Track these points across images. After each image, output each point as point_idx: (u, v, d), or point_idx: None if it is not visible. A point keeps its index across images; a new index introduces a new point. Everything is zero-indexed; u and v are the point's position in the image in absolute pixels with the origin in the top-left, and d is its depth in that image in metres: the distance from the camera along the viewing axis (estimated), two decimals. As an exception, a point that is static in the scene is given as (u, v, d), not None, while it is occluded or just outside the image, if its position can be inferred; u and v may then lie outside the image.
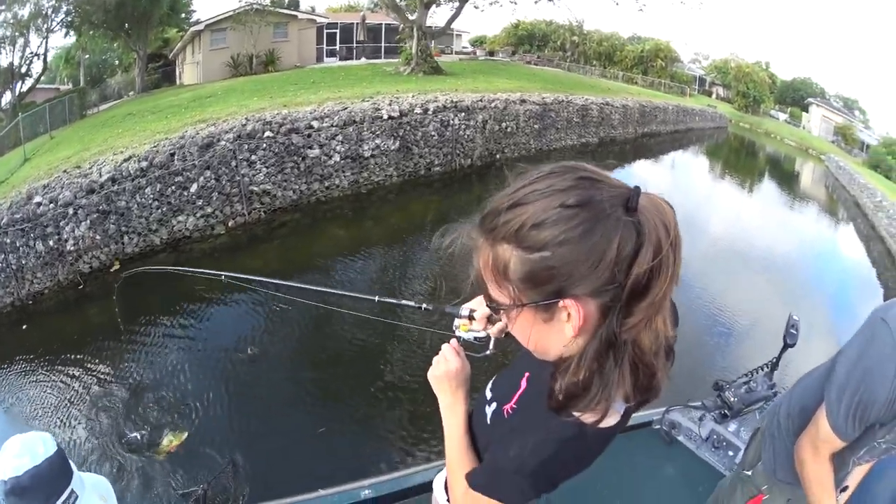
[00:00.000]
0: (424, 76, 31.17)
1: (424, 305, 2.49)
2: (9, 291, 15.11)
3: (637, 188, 1.27)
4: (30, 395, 11.14)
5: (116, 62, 52.09)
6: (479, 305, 2.23)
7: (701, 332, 13.45)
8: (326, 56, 46.51)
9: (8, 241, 15.11)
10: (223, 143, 17.40)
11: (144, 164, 16.55)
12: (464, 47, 57.18)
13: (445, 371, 2.01)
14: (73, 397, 10.77)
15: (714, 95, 72.65)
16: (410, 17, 33.87)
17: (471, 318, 2.22)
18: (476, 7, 36.85)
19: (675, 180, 30.98)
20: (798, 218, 31.56)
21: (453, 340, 2.10)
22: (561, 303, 1.30)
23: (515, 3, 36.20)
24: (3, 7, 37.74)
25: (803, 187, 43.00)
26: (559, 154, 25.36)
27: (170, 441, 7.69)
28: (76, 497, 2.04)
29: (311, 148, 18.89)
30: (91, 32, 45.03)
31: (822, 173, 49.08)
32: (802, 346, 4.57)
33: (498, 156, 23.82)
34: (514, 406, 1.78)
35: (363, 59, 44.12)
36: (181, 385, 10.54)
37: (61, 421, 10.14)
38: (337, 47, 47.22)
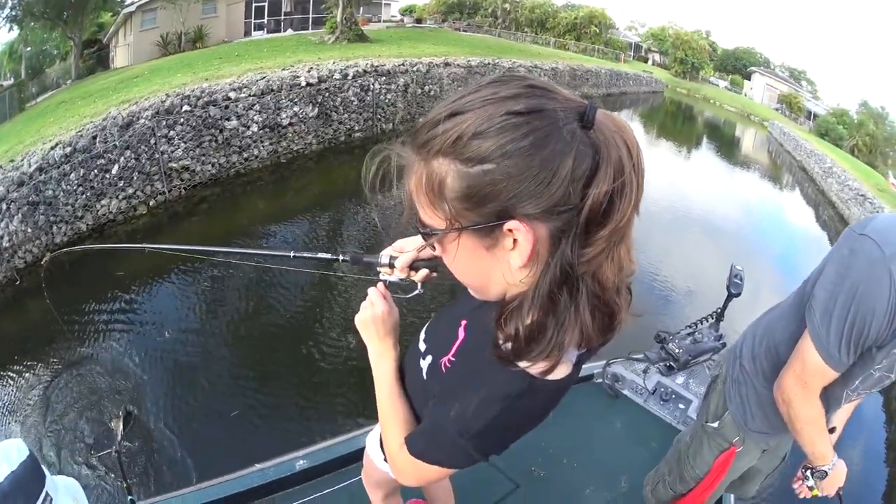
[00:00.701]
0: (349, 44, 31.38)
1: (342, 257, 2.16)
2: None
3: (593, 102, 1.14)
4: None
5: (55, 52, 51.89)
6: (397, 251, 1.96)
7: (637, 286, 13.69)
8: (255, 30, 45.63)
9: None
10: (142, 121, 17.30)
11: (69, 149, 16.48)
12: (392, 16, 56.20)
13: (372, 315, 1.91)
14: (11, 395, 10.51)
15: (650, 62, 73.32)
16: None
17: (391, 266, 1.94)
18: None
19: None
20: (741, 182, 31.99)
21: (380, 284, 1.99)
22: (506, 225, 1.16)
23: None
24: None
25: (745, 152, 43.49)
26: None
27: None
28: (51, 500, 2.11)
29: (228, 119, 18.88)
30: (32, 24, 44.65)
31: (764, 139, 49.69)
32: (748, 297, 4.69)
33: (420, 119, 22.58)
34: (453, 358, 1.67)
35: (290, 31, 43.87)
36: (117, 366, 10.48)
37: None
38: (265, 20, 46.69)
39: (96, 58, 47.28)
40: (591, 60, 50.10)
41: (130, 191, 16.92)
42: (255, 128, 19.70)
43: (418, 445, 1.60)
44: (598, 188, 1.08)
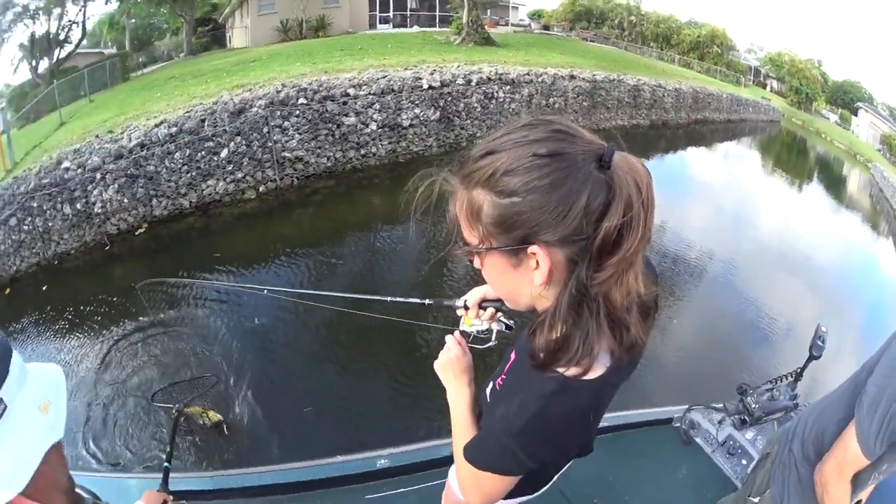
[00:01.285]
0: (475, 46, 30.23)
1: (427, 301, 2.77)
2: (34, 252, 15.84)
3: (612, 145, 1.31)
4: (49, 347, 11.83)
5: (165, 26, 52.76)
6: (471, 295, 2.25)
7: (734, 331, 12.95)
8: (380, 23, 45.38)
9: (35, 204, 15.98)
10: (255, 109, 17.24)
11: (174, 129, 16.72)
12: (521, 20, 55.28)
13: (447, 359, 2.08)
14: (88, 349, 11.19)
15: (768, 88, 71.37)
16: None
17: (466, 307, 2.25)
18: None
19: (728, 172, 29.99)
20: (841, 225, 30.73)
21: (456, 333, 2.18)
22: (529, 249, 1.35)
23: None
24: None
25: (849, 194, 42.23)
26: (607, 133, 24.11)
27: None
28: (4, 408, 1.54)
29: (346, 116, 18.40)
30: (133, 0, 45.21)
31: (867, 182, 48.12)
32: (827, 360, 4.51)
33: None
34: (505, 376, 1.83)
35: (416, 28, 42.97)
36: (202, 335, 10.72)
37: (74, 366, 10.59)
38: (391, 14, 46.32)
39: (211, 37, 48.05)
40: (714, 83, 48.05)
41: (239, 175, 16.96)
42: (373, 126, 19.24)
43: (471, 451, 1.70)
44: (610, 222, 1.26)
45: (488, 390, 1.95)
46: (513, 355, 1.85)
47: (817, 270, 19.16)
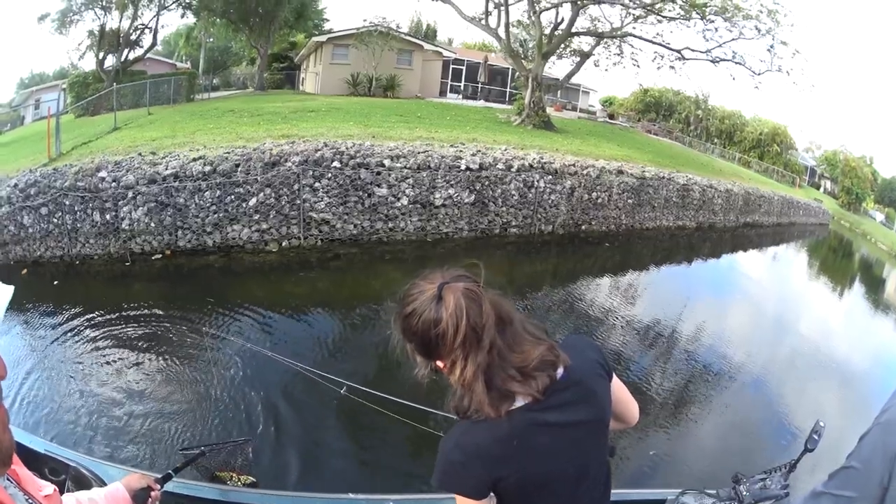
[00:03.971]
0: (533, 129, 29.76)
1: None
2: (60, 246, 17.17)
3: (442, 283, 1.97)
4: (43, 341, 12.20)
5: (243, 52, 53.18)
6: None
7: (753, 421, 12.39)
8: (450, 92, 46.14)
9: (67, 203, 17.01)
10: (289, 164, 17.37)
11: (209, 168, 17.03)
12: (590, 106, 55.25)
13: None
14: (87, 348, 11.68)
15: (822, 189, 70.22)
16: (528, 66, 32.54)
17: None
18: (596, 65, 35.22)
19: (768, 276, 29.24)
20: (876, 329, 30.02)
21: None
22: (436, 363, 2.04)
23: (638, 66, 34.51)
24: None
25: (886, 296, 41.25)
26: (652, 234, 23.70)
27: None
28: None
29: (378, 186, 18.28)
30: (211, 19, 46.33)
31: (905, 282, 47.31)
32: (821, 453, 4.01)
33: (583, 227, 21.78)
34: None
35: (482, 102, 43.07)
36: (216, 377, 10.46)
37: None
38: (462, 85, 46.84)
39: (285, 75, 49.57)
40: (769, 183, 46.64)
41: (264, 226, 17.11)
42: (405, 201, 18.87)
43: (434, 473, 2.08)
44: (449, 335, 1.88)
45: None
46: None
47: (845, 372, 18.82)
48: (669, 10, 30.15)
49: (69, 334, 12.69)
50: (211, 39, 53.66)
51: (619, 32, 32.29)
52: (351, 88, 39.32)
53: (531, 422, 1.96)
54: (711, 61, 32.39)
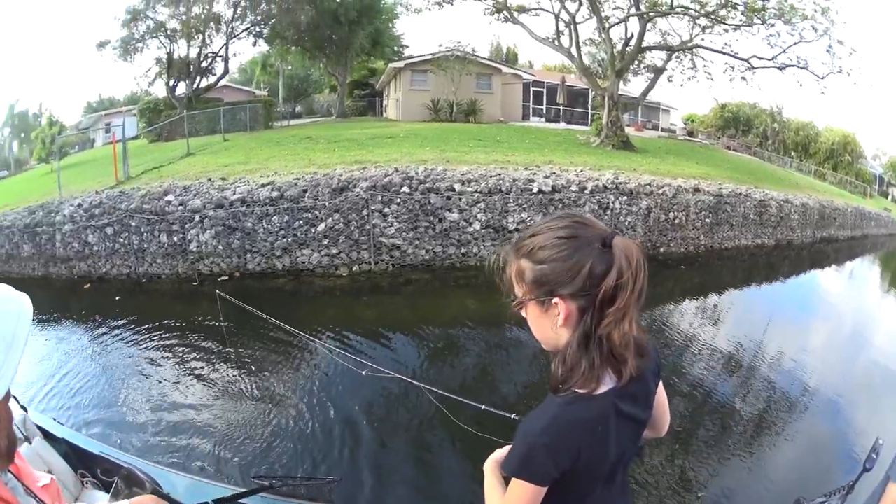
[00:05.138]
0: (612, 150, 29.27)
1: (514, 416, 3.26)
2: (127, 264, 18.11)
3: (613, 232, 1.83)
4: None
5: (323, 80, 53.79)
6: None
7: (820, 445, 11.78)
8: (533, 115, 45.78)
9: (133, 224, 17.93)
10: (357, 190, 17.48)
11: (276, 193, 17.35)
12: (672, 124, 54.77)
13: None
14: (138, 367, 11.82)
15: (889, 197, 68.53)
16: (603, 85, 32.15)
17: None
18: (669, 80, 34.70)
19: (851, 293, 28.13)
20: None
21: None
22: (553, 300, 1.83)
23: (711, 79, 33.91)
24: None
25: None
26: (731, 254, 22.80)
27: None
28: None
29: (449, 210, 18.06)
30: (285, 48, 47.21)
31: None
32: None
33: (661, 249, 20.98)
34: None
35: (562, 124, 42.75)
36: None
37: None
38: (543, 107, 46.46)
39: (367, 102, 50.24)
40: (844, 195, 45.59)
41: (334, 251, 17.25)
42: (477, 225, 18.53)
43: (505, 460, 2.02)
44: (607, 283, 1.73)
45: None
46: None
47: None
48: (732, 18, 30.00)
49: (131, 344, 13.16)
50: (289, 67, 54.25)
51: (688, 45, 31.89)
52: (432, 114, 39.28)
53: (614, 408, 1.92)
54: (779, 68, 31.91)
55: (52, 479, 2.09)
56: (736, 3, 28.98)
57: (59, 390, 11.48)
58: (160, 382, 11.22)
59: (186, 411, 9.94)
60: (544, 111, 46.28)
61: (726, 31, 30.98)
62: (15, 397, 5.97)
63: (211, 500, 4.57)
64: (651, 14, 29.94)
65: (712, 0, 29.10)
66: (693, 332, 13.92)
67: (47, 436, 5.81)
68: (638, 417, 2.04)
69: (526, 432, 1.88)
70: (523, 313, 2.01)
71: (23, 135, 65.38)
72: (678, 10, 29.44)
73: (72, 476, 5.44)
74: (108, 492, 4.81)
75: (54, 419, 6.77)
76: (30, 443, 5.43)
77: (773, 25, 29.68)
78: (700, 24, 30.73)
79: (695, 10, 29.65)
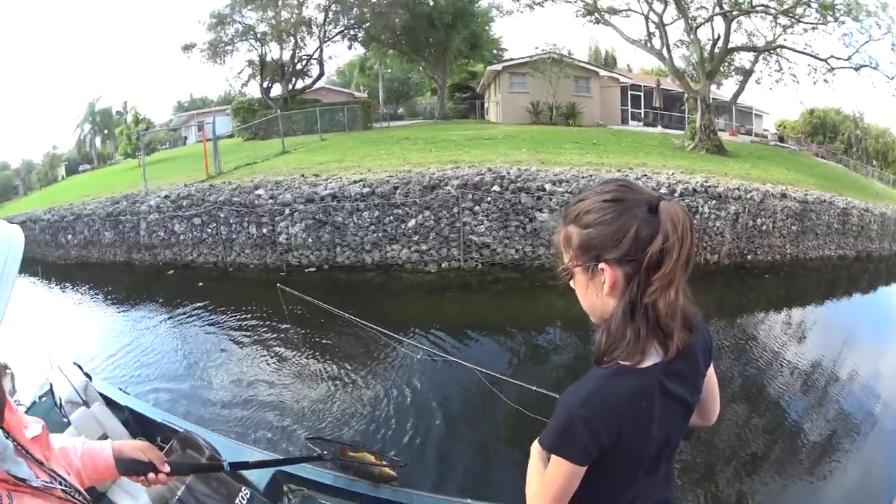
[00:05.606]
0: (706, 154, 28.80)
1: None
2: (214, 253, 19.20)
3: (660, 197, 1.82)
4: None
5: (424, 82, 54.09)
6: None
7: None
8: (631, 119, 45.42)
9: (222, 215, 18.89)
10: (448, 188, 17.60)
11: (367, 189, 17.69)
12: (764, 130, 53.58)
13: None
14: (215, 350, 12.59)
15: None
16: (695, 87, 31.77)
17: None
18: (758, 83, 34.14)
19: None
20: None
21: None
22: (599, 265, 1.82)
23: (797, 82, 33.33)
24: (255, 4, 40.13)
25: None
26: (815, 265, 21.85)
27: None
28: None
29: (540, 210, 17.84)
30: (381, 50, 47.45)
31: None
32: None
33: (749, 257, 20.11)
34: None
35: (659, 128, 42.45)
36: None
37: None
38: (641, 111, 46.16)
39: (469, 104, 50.25)
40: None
41: (424, 247, 17.48)
42: None
43: (543, 434, 1.94)
44: (653, 248, 1.72)
45: None
46: None
47: None
48: (808, 17, 29.59)
49: (210, 326, 14.19)
50: (388, 70, 54.57)
51: (772, 45, 31.46)
52: (532, 117, 39.29)
53: (659, 385, 1.87)
54: (854, 68, 31.04)
55: (42, 428, 1.95)
56: (809, 1, 28.73)
57: (130, 363, 12.35)
58: (232, 361, 11.89)
59: (254, 389, 10.40)
60: (642, 115, 45.88)
61: (805, 30, 30.60)
62: (79, 366, 6.73)
63: (275, 471, 5.08)
64: (734, 13, 29.49)
65: (789, -3, 28.76)
66: (773, 347, 13.51)
67: (110, 403, 6.22)
68: (685, 398, 1.97)
69: (565, 403, 1.86)
70: (571, 284, 2.02)
71: (106, 131, 66.79)
72: (759, 7, 28.94)
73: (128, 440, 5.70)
74: None
75: (120, 388, 7.30)
76: (88, 406, 5.82)
77: (843, 23, 29.10)
78: (780, 24, 30.39)
79: (774, 8, 29.23)
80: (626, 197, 1.81)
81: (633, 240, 1.74)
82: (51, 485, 1.73)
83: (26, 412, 6.12)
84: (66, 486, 1.80)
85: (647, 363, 1.81)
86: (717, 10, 29.53)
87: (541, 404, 5.60)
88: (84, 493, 1.95)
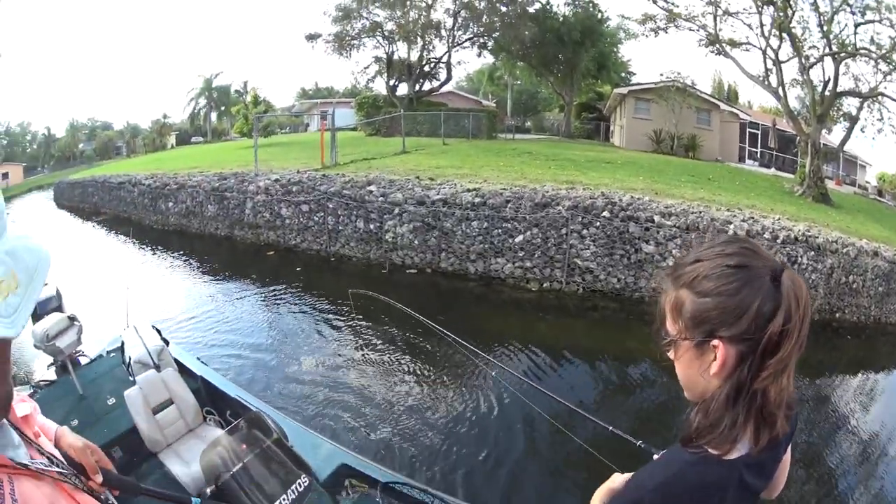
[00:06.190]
0: (812, 202, 28.23)
1: (640, 443, 2.96)
2: (318, 241, 19.97)
3: (784, 264, 1.62)
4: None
5: (552, 98, 54.46)
6: None
7: None
8: (748, 158, 45.04)
9: (331, 206, 19.48)
10: (559, 208, 17.56)
11: (479, 199, 17.88)
12: (867, 181, 52.04)
13: (608, 489, 2.12)
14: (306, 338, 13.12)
15: None
16: (806, 130, 30.83)
17: None
18: (862, 131, 33.38)
19: None
20: None
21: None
22: (712, 342, 1.62)
23: (896, 132, 32.63)
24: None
25: None
26: (895, 330, 20.09)
27: None
28: None
29: (646, 242, 17.45)
30: (510, 62, 48.74)
31: None
32: None
33: (837, 315, 18.92)
34: (657, 457, 2.02)
35: (773, 169, 41.83)
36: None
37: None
38: (758, 150, 45.63)
39: (595, 125, 50.56)
40: None
41: (528, 264, 17.46)
42: (671, 261, 16.41)
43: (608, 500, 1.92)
44: (774, 326, 1.54)
45: None
46: None
47: None
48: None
49: (297, 310, 14.94)
50: (517, 82, 54.92)
51: (875, 92, 30.59)
52: (654, 145, 39.65)
53: (740, 478, 1.69)
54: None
55: (33, 408, 2.05)
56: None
57: (208, 329, 13.27)
58: (312, 347, 12.44)
59: (325, 378, 10.88)
60: (758, 154, 45.48)
61: (901, 77, 29.60)
62: (158, 329, 7.19)
63: (340, 464, 5.21)
64: (841, 55, 28.94)
65: (889, 41, 28.33)
66: (841, 412, 13.35)
67: (184, 371, 6.55)
68: (758, 491, 1.81)
69: (639, 484, 1.78)
70: (671, 354, 1.83)
71: (223, 108, 68.22)
72: (862, 51, 28.46)
73: (194, 409, 6.28)
74: None
75: (198, 358, 7.57)
76: (158, 370, 6.13)
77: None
78: (881, 70, 29.65)
79: (875, 52, 28.85)
80: (750, 264, 1.62)
81: (754, 316, 1.56)
82: (49, 468, 1.81)
83: (90, 363, 7.33)
84: (63, 469, 1.91)
85: (734, 455, 1.67)
86: (827, 50, 29.05)
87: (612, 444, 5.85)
88: (79, 474, 2.03)
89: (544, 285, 17.47)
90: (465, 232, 17.92)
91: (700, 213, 18.63)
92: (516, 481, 8.32)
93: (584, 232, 17.41)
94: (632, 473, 1.93)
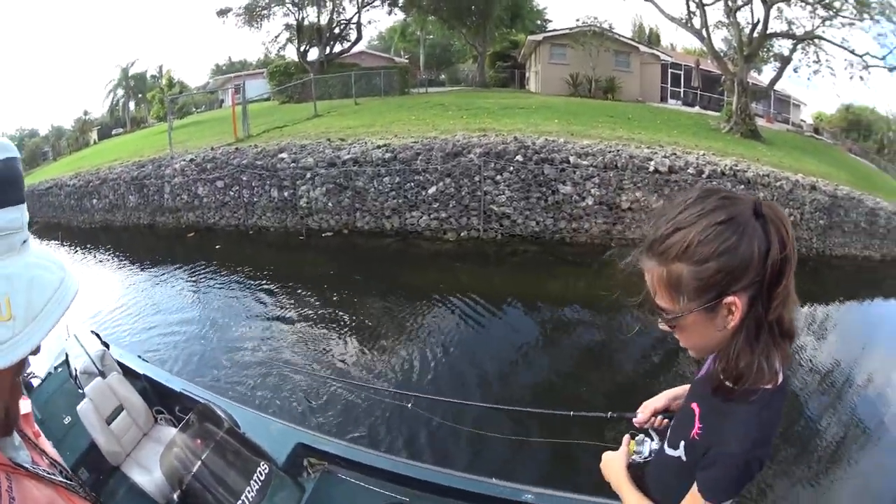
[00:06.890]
0: (740, 138, 28.53)
1: (611, 413, 2.76)
2: (236, 216, 19.63)
3: (755, 198, 1.63)
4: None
5: (466, 50, 54.20)
6: (644, 406, 2.38)
7: None
8: (671, 97, 45.37)
9: (245, 178, 19.29)
10: (470, 156, 17.42)
11: (389, 155, 17.72)
12: (802, 120, 53.00)
13: (617, 456, 2.23)
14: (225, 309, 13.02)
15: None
16: (733, 69, 31.55)
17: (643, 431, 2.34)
18: (795, 71, 33.89)
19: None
20: None
21: (626, 437, 2.29)
22: (725, 301, 1.59)
23: (834, 75, 33.08)
24: None
25: None
26: (839, 263, 20.56)
27: None
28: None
29: (563, 183, 17.38)
30: (422, 16, 47.97)
31: None
32: None
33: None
34: (700, 425, 1.87)
35: (697, 108, 42.22)
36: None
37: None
38: (681, 90, 46.10)
39: (510, 73, 50.66)
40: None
41: (443, 215, 17.33)
42: (590, 201, 17.63)
43: (711, 490, 1.76)
44: (773, 260, 1.54)
45: (681, 451, 1.97)
46: (695, 408, 1.94)
47: None
48: (845, 11, 29.45)
49: (223, 287, 14.66)
50: (429, 36, 54.77)
51: (810, 35, 31.18)
52: (571, 89, 39.51)
53: (783, 402, 1.77)
54: (889, 69, 30.99)
55: (29, 405, 1.85)
56: (846, -6, 28.16)
57: (139, 323, 12.77)
58: (246, 323, 12.05)
59: (268, 352, 10.46)
60: (681, 94, 45.83)
61: (843, 25, 30.41)
62: (97, 334, 6.83)
63: (295, 443, 5.05)
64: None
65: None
66: (796, 344, 13.06)
67: (127, 372, 6.27)
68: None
69: (734, 453, 1.68)
70: (663, 326, 1.78)
71: (140, 95, 67.64)
72: None
73: (144, 411, 6.08)
74: None
75: (139, 356, 7.32)
76: (104, 377, 5.87)
77: (878, 22, 29.10)
78: (819, 15, 30.20)
79: None
80: (735, 212, 1.58)
81: (757, 261, 1.55)
82: (52, 475, 1.64)
83: (41, 384, 6.69)
84: (67, 476, 1.73)
85: (780, 379, 1.72)
86: (758, -7, 29.25)
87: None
88: (81, 480, 1.85)
89: (462, 234, 17.37)
90: (378, 189, 17.65)
91: (618, 151, 18.51)
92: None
93: (498, 178, 17.28)
94: (681, 445, 1.94)
